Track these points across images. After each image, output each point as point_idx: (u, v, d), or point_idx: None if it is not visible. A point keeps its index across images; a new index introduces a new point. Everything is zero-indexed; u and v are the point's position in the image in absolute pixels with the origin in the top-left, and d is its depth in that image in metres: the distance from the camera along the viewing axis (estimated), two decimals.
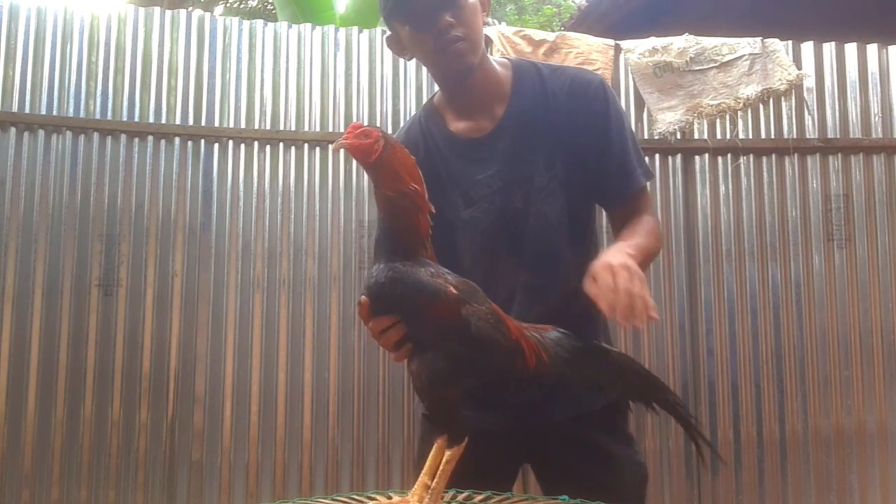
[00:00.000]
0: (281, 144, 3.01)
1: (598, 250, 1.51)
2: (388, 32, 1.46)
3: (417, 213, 1.08)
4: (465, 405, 1.43)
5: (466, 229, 1.42)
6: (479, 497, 1.15)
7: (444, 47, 1.34)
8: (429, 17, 1.33)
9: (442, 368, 1.05)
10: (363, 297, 1.07)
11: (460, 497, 1.12)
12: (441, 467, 1.03)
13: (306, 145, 3.02)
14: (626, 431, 1.47)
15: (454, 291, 1.05)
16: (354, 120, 3.07)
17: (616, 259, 1.12)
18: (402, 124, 3.04)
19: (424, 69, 3.11)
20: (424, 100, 3.07)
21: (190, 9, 5.93)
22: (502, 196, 1.39)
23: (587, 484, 1.23)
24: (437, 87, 1.52)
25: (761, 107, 3.20)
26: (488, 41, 3.01)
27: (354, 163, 3.02)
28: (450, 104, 1.47)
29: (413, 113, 3.05)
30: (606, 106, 1.42)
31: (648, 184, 1.48)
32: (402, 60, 3.11)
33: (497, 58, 1.49)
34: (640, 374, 1.14)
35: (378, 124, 3.08)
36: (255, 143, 3.00)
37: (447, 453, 1.03)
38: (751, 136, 3.20)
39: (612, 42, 3.21)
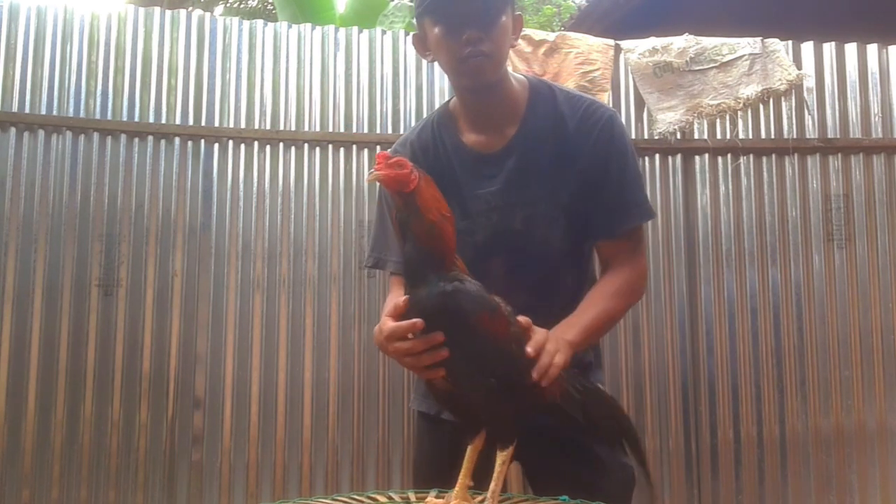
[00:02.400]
0: (281, 144, 3.01)
1: (594, 275, 1.54)
2: (416, 31, 1.46)
3: (453, 234, 1.12)
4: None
5: (459, 238, 1.43)
6: (480, 497, 1.16)
7: (466, 58, 1.34)
8: (461, 25, 1.33)
9: (493, 386, 1.08)
10: (418, 320, 1.10)
11: (448, 496, 1.12)
12: (497, 469, 1.08)
13: (306, 145, 3.02)
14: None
15: (505, 308, 1.11)
16: (355, 120, 3.07)
17: (554, 342, 1.19)
18: (401, 124, 3.08)
19: (424, 70, 3.11)
20: (424, 100, 3.11)
21: (190, 9, 5.93)
22: (501, 215, 1.40)
23: (573, 484, 1.23)
24: (439, 90, 1.53)
25: (761, 107, 3.20)
26: None
27: (354, 163, 3.03)
28: (464, 114, 1.47)
29: (414, 113, 3.09)
30: (611, 138, 1.41)
31: (645, 212, 1.46)
32: (401, 61, 3.12)
33: (515, 74, 1.49)
34: (622, 419, 1.27)
35: (378, 124, 3.08)
36: (255, 143, 3.00)
37: (501, 455, 1.08)
38: (751, 136, 3.20)
39: (612, 42, 3.21)
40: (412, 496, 1.20)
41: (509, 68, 1.48)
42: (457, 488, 1.11)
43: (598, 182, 1.40)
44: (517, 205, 1.40)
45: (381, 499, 1.18)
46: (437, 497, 1.18)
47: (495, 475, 1.08)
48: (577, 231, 1.43)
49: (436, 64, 1.48)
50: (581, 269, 1.47)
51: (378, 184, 1.46)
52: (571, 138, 1.41)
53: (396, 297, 1.34)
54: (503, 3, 1.36)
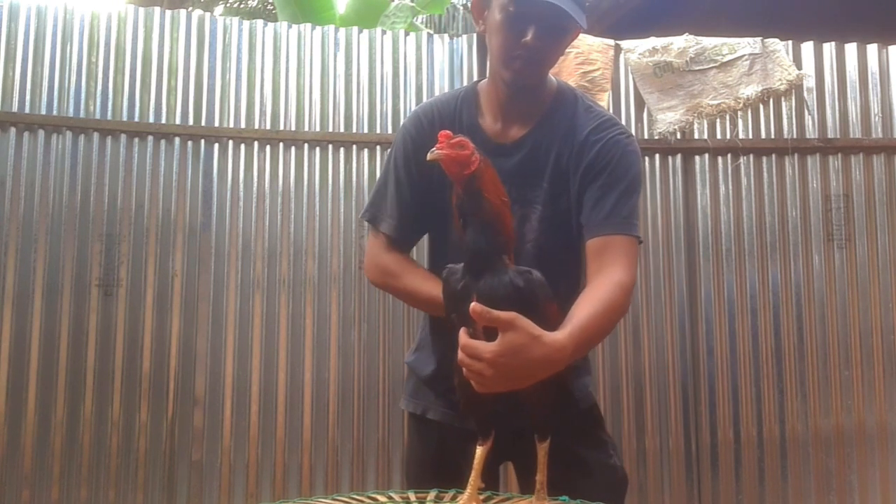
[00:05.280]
0: (281, 144, 3.01)
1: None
2: None
3: (511, 220, 1.12)
4: (447, 406, 1.44)
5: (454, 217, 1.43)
6: (481, 497, 1.15)
7: (516, 56, 1.34)
8: (527, 25, 1.31)
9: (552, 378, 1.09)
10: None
11: (461, 498, 1.12)
12: (541, 460, 1.11)
13: (306, 145, 3.02)
14: (599, 437, 1.48)
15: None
16: (355, 120, 3.07)
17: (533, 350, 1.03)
18: (401, 124, 3.07)
19: (424, 70, 3.11)
20: (424, 100, 3.09)
21: (190, 9, 5.93)
22: None
23: (559, 486, 1.23)
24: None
25: (761, 107, 3.20)
26: None
27: (354, 163, 3.03)
28: (489, 98, 1.47)
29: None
30: (618, 152, 1.38)
31: (636, 239, 1.37)
32: (401, 61, 3.11)
33: (549, 76, 1.48)
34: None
35: (378, 124, 3.08)
36: (255, 143, 3.00)
37: (542, 447, 1.11)
38: (751, 136, 3.20)
39: (612, 42, 3.21)
40: (412, 496, 1.20)
41: None
42: (469, 490, 1.11)
43: (590, 183, 1.38)
44: (514, 202, 1.40)
45: (381, 499, 1.18)
46: (436, 497, 1.18)
47: (540, 466, 1.10)
48: (575, 239, 1.40)
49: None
50: (577, 278, 1.42)
51: (392, 149, 1.45)
52: (578, 147, 1.40)
53: (383, 251, 1.44)
54: (573, 25, 1.36)
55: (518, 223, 1.39)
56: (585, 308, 1.19)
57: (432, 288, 1.35)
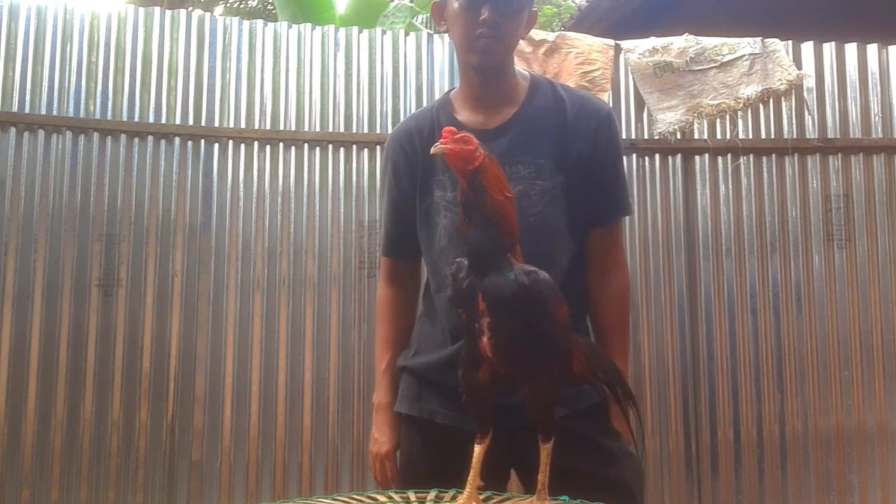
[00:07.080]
0: (281, 144, 3.01)
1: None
2: None
3: (516, 217, 1.11)
4: (451, 407, 1.44)
5: (448, 210, 1.45)
6: (480, 497, 1.15)
7: (479, 37, 1.39)
8: (483, 3, 1.37)
9: (556, 374, 1.09)
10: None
11: (461, 498, 1.12)
12: (544, 461, 1.09)
13: (306, 145, 3.02)
14: (613, 428, 1.47)
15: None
16: (355, 120, 3.07)
17: None
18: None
19: (424, 70, 3.11)
20: (424, 100, 3.10)
21: (190, 9, 5.93)
22: None
23: (588, 479, 1.22)
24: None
25: (761, 107, 3.20)
26: None
27: (354, 163, 3.03)
28: (464, 97, 1.51)
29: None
30: (610, 132, 1.50)
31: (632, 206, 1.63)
32: (401, 61, 3.12)
33: (519, 68, 1.55)
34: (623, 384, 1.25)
35: (378, 124, 3.08)
36: (255, 143, 3.00)
37: (546, 447, 1.09)
38: (751, 136, 3.20)
39: (612, 42, 3.21)
40: (412, 496, 1.20)
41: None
42: (468, 489, 1.11)
43: (597, 171, 1.47)
44: (511, 180, 1.40)
45: (381, 499, 1.18)
46: (436, 497, 1.18)
47: (542, 467, 1.09)
48: (575, 212, 1.46)
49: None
50: (575, 252, 1.48)
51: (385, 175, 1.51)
52: (571, 123, 1.46)
53: (382, 279, 1.62)
54: None
55: (518, 199, 1.40)
56: (618, 337, 1.49)
57: (382, 356, 1.60)
